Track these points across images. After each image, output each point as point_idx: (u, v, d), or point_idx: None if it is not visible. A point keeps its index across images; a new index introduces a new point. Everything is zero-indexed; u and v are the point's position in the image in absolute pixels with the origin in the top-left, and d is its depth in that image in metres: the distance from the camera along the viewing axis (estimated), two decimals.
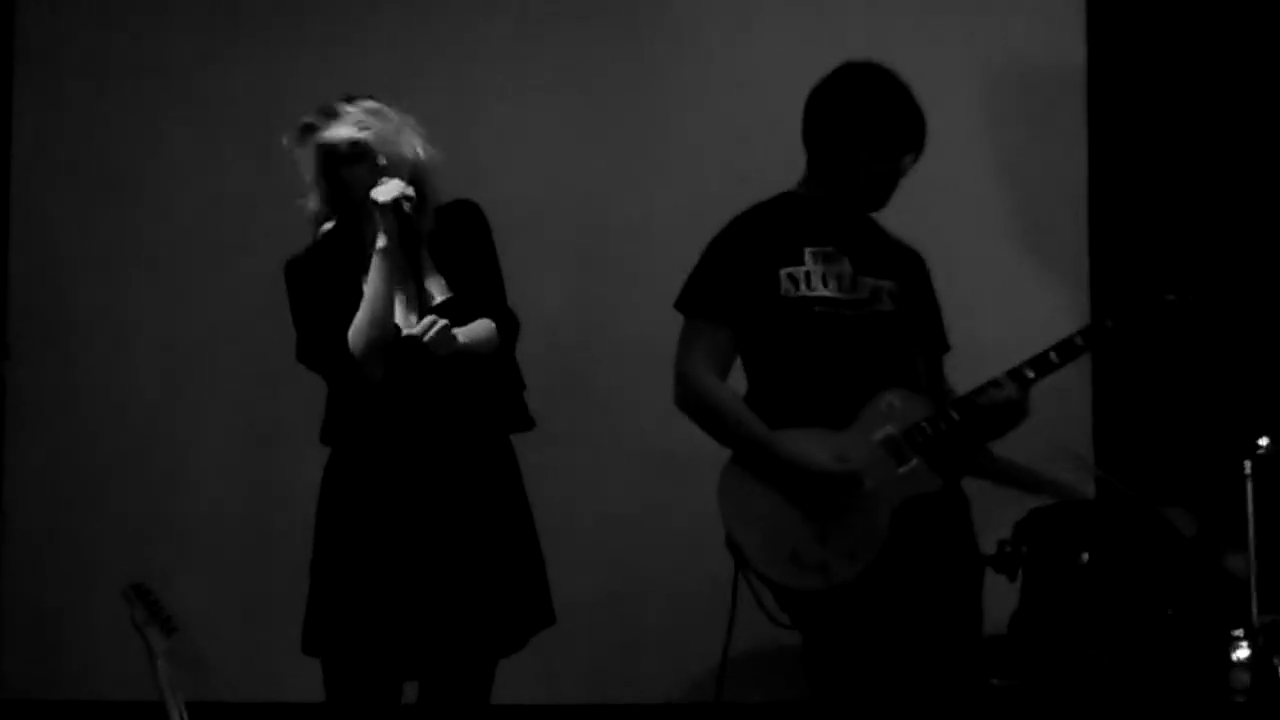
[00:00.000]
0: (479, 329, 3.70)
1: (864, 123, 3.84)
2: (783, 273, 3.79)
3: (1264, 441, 4.16)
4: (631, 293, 5.22)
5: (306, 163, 3.72)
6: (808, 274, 3.80)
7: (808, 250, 3.81)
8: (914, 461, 3.72)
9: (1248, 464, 4.16)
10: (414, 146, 3.73)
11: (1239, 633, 4.15)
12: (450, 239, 3.76)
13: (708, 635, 5.01)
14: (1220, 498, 4.26)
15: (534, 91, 5.36)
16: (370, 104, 3.74)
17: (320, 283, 3.73)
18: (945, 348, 4.00)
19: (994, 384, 3.73)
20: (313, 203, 3.73)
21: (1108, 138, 5.15)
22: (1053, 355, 3.75)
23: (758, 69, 5.18)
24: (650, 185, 5.27)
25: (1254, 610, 4.15)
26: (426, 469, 3.67)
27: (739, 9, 5.31)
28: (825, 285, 3.80)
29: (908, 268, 3.93)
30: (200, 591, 5.11)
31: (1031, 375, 3.75)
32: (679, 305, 3.90)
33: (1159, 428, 4.99)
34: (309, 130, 3.72)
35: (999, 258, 5.17)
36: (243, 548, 5.25)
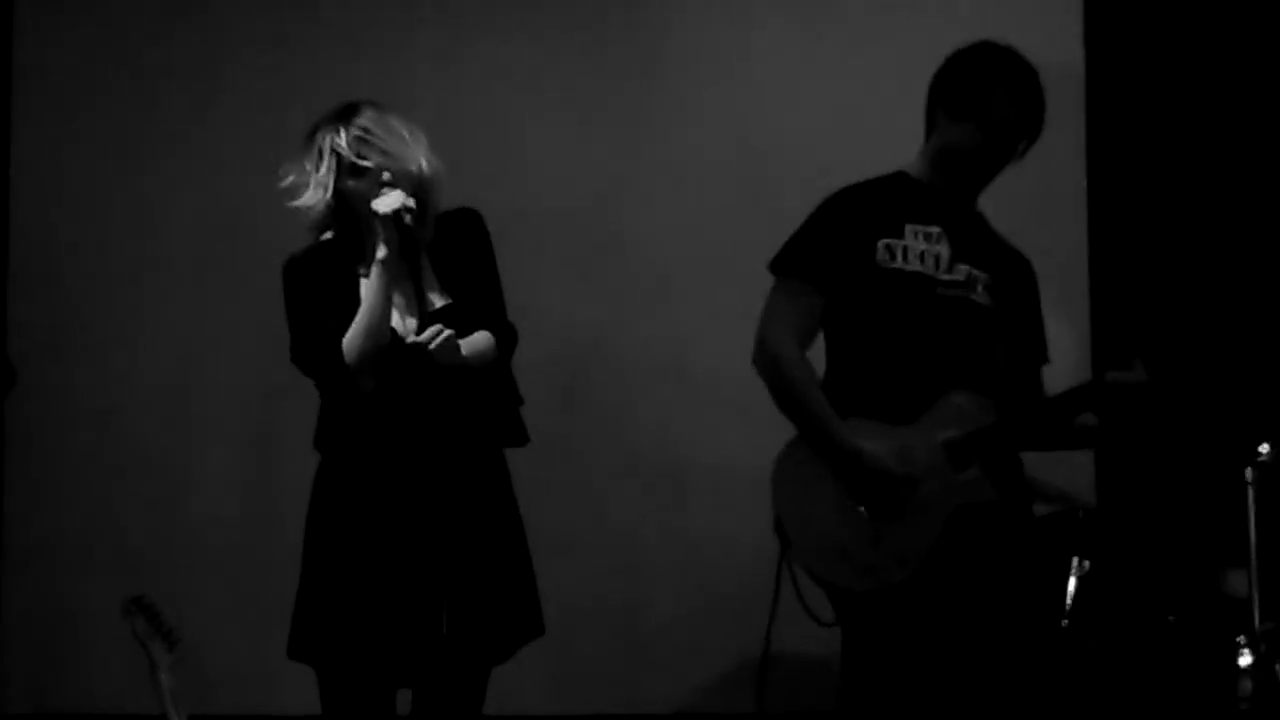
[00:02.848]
0: (479, 340, 3.70)
1: (989, 100, 3.81)
2: (881, 243, 3.76)
3: (1265, 449, 4.15)
4: (633, 304, 5.23)
5: (312, 160, 3.72)
6: (905, 248, 3.77)
7: (909, 226, 3.78)
8: (973, 470, 3.68)
9: (1249, 471, 4.15)
10: (419, 159, 3.73)
11: (1241, 640, 4.14)
12: (450, 247, 3.77)
13: (708, 646, 5.04)
14: (1221, 509, 4.25)
15: (534, 101, 5.35)
16: (381, 114, 3.74)
17: (318, 286, 3.73)
18: (1045, 359, 3.96)
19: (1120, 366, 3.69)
20: (312, 199, 3.72)
21: (1106, 137, 5.15)
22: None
23: (761, 78, 5.18)
24: (653, 196, 5.27)
25: (1256, 617, 4.14)
26: (418, 478, 3.67)
27: (742, 16, 5.31)
28: (922, 262, 3.77)
29: (1012, 268, 3.89)
30: (202, 604, 5.10)
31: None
32: (773, 265, 3.83)
33: (1159, 435, 4.98)
34: (321, 129, 3.72)
35: None
36: (245, 560, 5.24)
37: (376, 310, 3.66)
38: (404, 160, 3.70)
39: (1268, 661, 4.12)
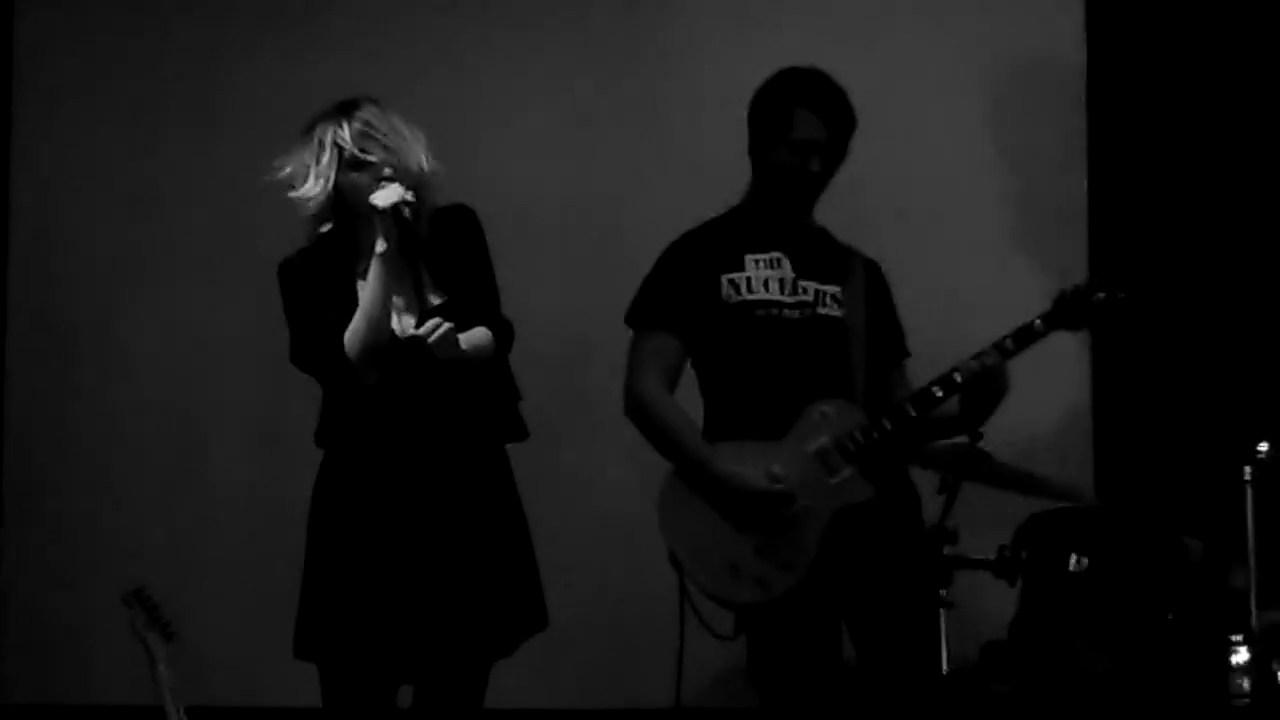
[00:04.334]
0: (477, 336, 3.70)
1: (750, 118, 3.99)
2: (724, 279, 3.89)
3: (1264, 447, 4.15)
4: (629, 298, 5.23)
5: (311, 152, 3.72)
6: (749, 279, 3.89)
7: (749, 257, 3.91)
8: (846, 472, 3.78)
9: (1247, 469, 4.15)
10: (419, 158, 3.73)
11: (1238, 637, 4.14)
12: (445, 243, 3.77)
13: (708, 640, 5.04)
14: (1221, 506, 4.25)
15: (533, 98, 5.36)
16: (383, 111, 3.74)
17: (315, 285, 3.73)
18: (904, 354, 4.07)
19: (978, 356, 3.78)
20: (311, 190, 3.72)
21: (1107, 137, 5.15)
22: (1008, 342, 3.79)
23: (760, 75, 5.17)
24: (654, 192, 5.26)
25: (1253, 615, 4.14)
26: (420, 473, 3.67)
27: (741, 15, 5.30)
28: (766, 289, 3.88)
29: (858, 275, 3.98)
30: (200, 596, 5.11)
31: (1011, 347, 3.79)
32: (627, 319, 4.00)
33: (1158, 433, 4.98)
34: (322, 123, 3.72)
35: (998, 257, 5.17)
36: (243, 552, 5.25)
37: (377, 303, 3.66)
38: (405, 157, 3.70)
39: (1265, 659, 4.12)
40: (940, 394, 3.79)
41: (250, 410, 5.31)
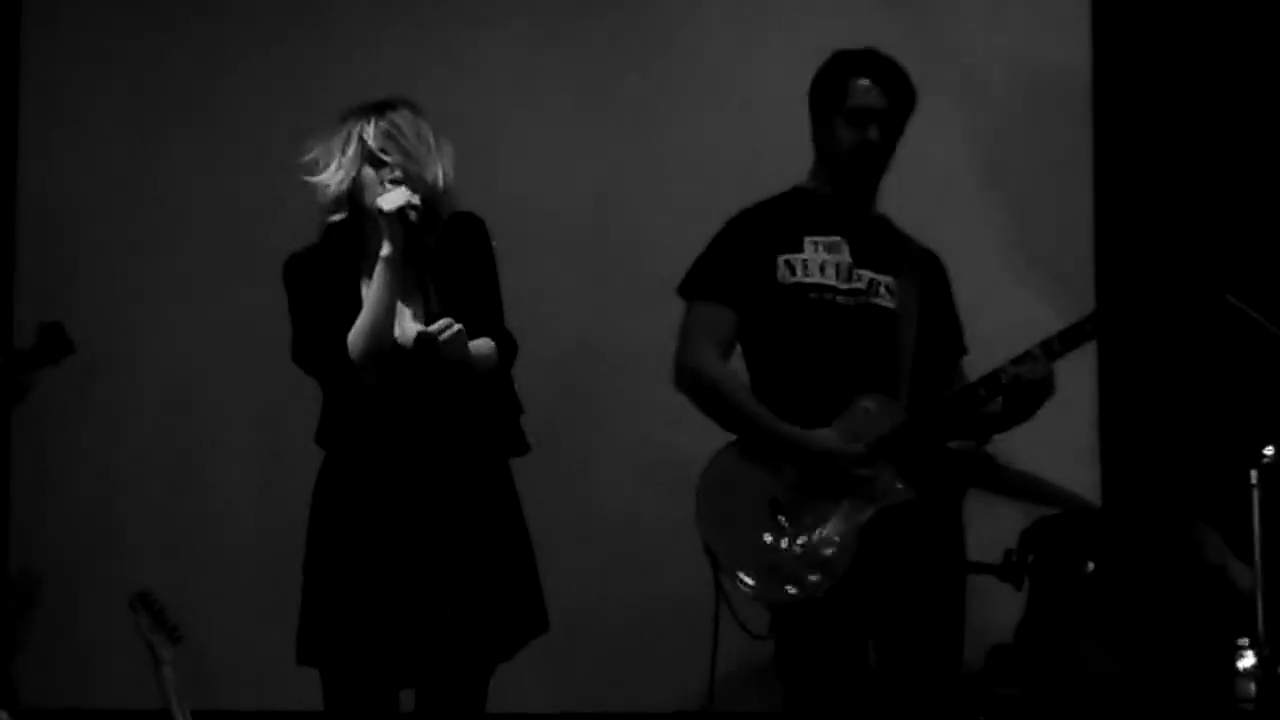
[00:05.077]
0: (481, 345, 3.70)
1: (809, 98, 3.93)
2: (780, 259, 3.86)
3: (1270, 451, 4.15)
4: (637, 302, 5.22)
5: (339, 143, 3.72)
6: (805, 262, 3.86)
7: (808, 239, 3.88)
8: (886, 472, 3.75)
9: (1253, 473, 4.15)
10: (437, 170, 3.72)
11: (1244, 642, 4.14)
12: (452, 252, 3.76)
13: (710, 645, 5.03)
14: (1227, 509, 4.25)
15: (538, 102, 5.36)
16: (416, 117, 3.74)
17: (320, 285, 3.73)
18: (962, 351, 4.02)
19: (1024, 357, 3.76)
20: (331, 179, 3.72)
21: (1113, 143, 5.15)
22: (1055, 343, 3.79)
23: (770, 79, 5.18)
24: (658, 195, 5.27)
25: (1260, 619, 4.14)
26: (420, 479, 3.66)
27: (748, 17, 5.31)
28: (821, 273, 3.85)
29: (916, 267, 3.94)
30: (206, 600, 5.11)
31: (1059, 348, 3.78)
32: (681, 290, 3.95)
33: (1165, 437, 4.98)
34: (354, 116, 3.72)
35: (1004, 263, 5.17)
36: (248, 556, 5.24)
37: (381, 307, 3.65)
38: (423, 165, 3.70)
39: (1271, 664, 4.11)
40: (984, 394, 3.78)
41: (257, 412, 5.30)
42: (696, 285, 3.92)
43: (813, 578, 3.70)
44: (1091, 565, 4.21)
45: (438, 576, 3.63)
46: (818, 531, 3.72)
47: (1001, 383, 3.76)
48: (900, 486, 3.75)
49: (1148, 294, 3.84)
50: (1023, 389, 3.76)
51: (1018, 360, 3.77)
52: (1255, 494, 4.14)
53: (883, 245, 3.93)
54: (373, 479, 3.70)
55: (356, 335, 3.66)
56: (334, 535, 3.72)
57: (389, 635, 3.64)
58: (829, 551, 3.71)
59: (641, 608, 5.19)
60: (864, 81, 3.87)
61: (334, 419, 3.76)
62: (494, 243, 3.84)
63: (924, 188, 5.13)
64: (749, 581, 3.74)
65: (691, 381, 3.87)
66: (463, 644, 3.63)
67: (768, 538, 3.73)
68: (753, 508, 3.75)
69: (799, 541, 3.72)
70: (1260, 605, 4.13)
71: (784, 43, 5.21)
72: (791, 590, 3.71)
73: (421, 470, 3.66)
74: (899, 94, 3.89)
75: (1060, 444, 4.94)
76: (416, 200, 3.63)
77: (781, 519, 3.74)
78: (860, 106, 3.86)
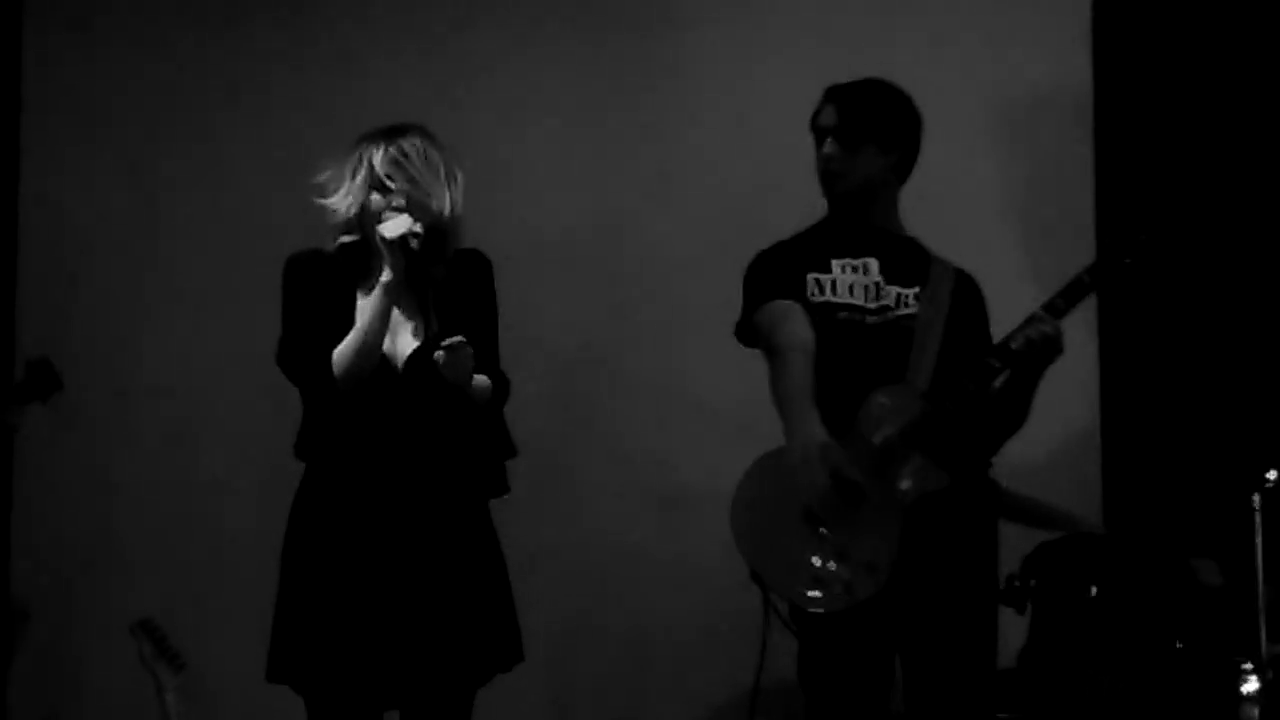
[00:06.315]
0: (479, 380, 3.70)
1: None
2: (810, 276, 3.90)
3: (1272, 474, 4.15)
4: (635, 322, 5.23)
5: (351, 166, 3.72)
6: (833, 281, 3.90)
7: (835, 261, 3.93)
8: (917, 461, 3.75)
9: (1256, 497, 4.15)
10: (445, 199, 3.72)
11: (1248, 666, 4.13)
12: (457, 287, 3.75)
13: (713, 667, 5.03)
14: (1230, 534, 4.25)
15: (543, 115, 5.36)
16: (427, 144, 3.74)
17: (316, 292, 3.73)
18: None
19: (1029, 322, 3.80)
20: (340, 203, 3.72)
21: (1115, 160, 5.16)
22: (1059, 301, 3.83)
23: (770, 97, 5.18)
24: (659, 213, 5.27)
25: (1263, 642, 4.14)
26: (399, 497, 3.66)
27: (749, 39, 5.31)
28: (850, 293, 3.89)
29: (945, 280, 3.98)
30: (208, 627, 5.10)
31: (1062, 305, 3.82)
32: (738, 330, 3.96)
33: (1167, 460, 4.98)
34: (367, 140, 3.72)
35: (1006, 284, 5.16)
36: (250, 582, 5.21)
37: (372, 331, 3.65)
38: (429, 192, 3.69)
39: (1275, 688, 4.11)
40: (999, 365, 3.80)
41: (260, 438, 5.28)
42: (753, 297, 3.94)
43: (859, 579, 3.68)
44: (1094, 589, 4.21)
45: (413, 597, 3.64)
46: (859, 535, 3.70)
47: (1012, 349, 3.79)
48: (934, 472, 3.76)
49: (1147, 246, 3.91)
50: (1035, 351, 3.78)
51: (1023, 326, 3.80)
52: (1258, 517, 4.14)
53: (910, 262, 3.97)
54: (351, 495, 3.69)
55: (342, 353, 3.65)
56: (310, 551, 3.71)
57: (366, 656, 3.63)
58: (872, 551, 3.69)
59: (647, 631, 5.18)
60: (824, 105, 4.01)
61: (313, 431, 3.76)
62: (494, 266, 3.85)
63: (924, 207, 5.13)
64: (813, 594, 3.71)
65: (768, 344, 3.88)
66: (438, 664, 3.64)
67: (816, 560, 3.71)
68: (792, 523, 3.73)
69: (843, 550, 3.70)
70: (1263, 628, 4.13)
71: (785, 64, 5.22)
72: (842, 596, 3.69)
73: (400, 491, 3.66)
74: (852, 110, 3.96)
75: (1062, 467, 4.95)
76: (418, 228, 3.63)
77: (822, 530, 3.72)
78: (816, 127, 4.00)
